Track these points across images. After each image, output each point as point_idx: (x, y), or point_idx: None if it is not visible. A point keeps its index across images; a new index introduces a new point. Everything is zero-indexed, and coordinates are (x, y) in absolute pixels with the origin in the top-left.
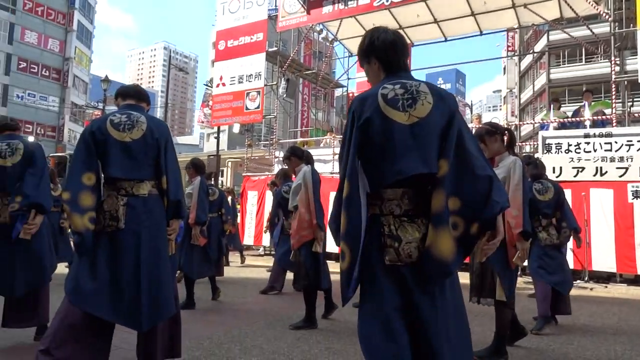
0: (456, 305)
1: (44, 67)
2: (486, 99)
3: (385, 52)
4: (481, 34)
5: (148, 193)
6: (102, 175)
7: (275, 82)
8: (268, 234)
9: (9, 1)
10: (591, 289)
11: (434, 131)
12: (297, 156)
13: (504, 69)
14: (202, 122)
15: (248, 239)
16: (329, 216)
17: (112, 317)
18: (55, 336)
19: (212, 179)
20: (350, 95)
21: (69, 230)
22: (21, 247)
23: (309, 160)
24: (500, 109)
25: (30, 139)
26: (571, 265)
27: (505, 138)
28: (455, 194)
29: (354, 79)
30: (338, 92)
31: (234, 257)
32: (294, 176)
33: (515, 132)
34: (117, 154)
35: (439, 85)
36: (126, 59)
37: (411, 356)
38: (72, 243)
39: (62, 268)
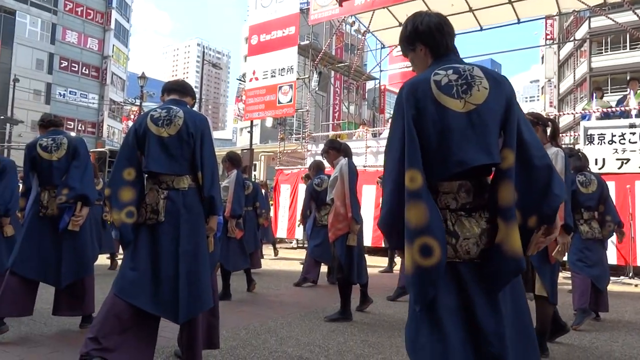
0: (518, 304)
1: (84, 65)
2: (522, 89)
3: (431, 35)
4: (518, 22)
5: (187, 187)
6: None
7: (307, 76)
8: (301, 227)
9: (51, 2)
10: (636, 285)
11: (493, 119)
12: (335, 149)
13: (542, 58)
14: (238, 116)
15: (281, 232)
16: (381, 215)
17: (151, 308)
18: (102, 325)
19: (246, 172)
20: (383, 87)
21: (109, 223)
22: (67, 239)
23: (347, 153)
24: (538, 100)
25: (72, 135)
26: (614, 261)
27: (548, 129)
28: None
29: (386, 71)
30: (370, 84)
31: (267, 249)
32: (332, 169)
33: None
34: (156, 149)
35: None
36: (161, 56)
37: (467, 357)
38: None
39: (102, 259)
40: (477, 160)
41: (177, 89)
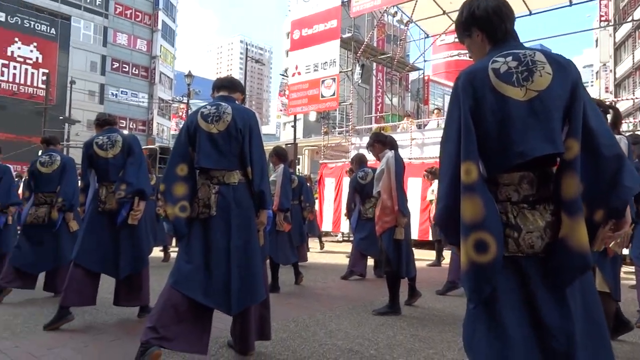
0: (587, 300)
1: (134, 66)
2: None
3: (488, 20)
4: (570, 4)
5: (238, 182)
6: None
7: (350, 69)
8: (347, 220)
9: (102, 7)
10: None
11: (556, 106)
12: (381, 142)
13: (596, 41)
14: (281, 110)
15: (326, 226)
16: (437, 210)
17: (205, 299)
18: (160, 316)
19: (291, 167)
20: (427, 78)
21: (162, 217)
22: (125, 233)
23: (393, 145)
24: (592, 85)
25: (125, 133)
26: None
27: (609, 116)
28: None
29: (429, 61)
30: (413, 75)
31: (313, 243)
32: (377, 162)
33: None
34: (206, 145)
35: None
36: (206, 54)
37: (531, 356)
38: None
39: (156, 252)
40: (539, 150)
41: (226, 86)
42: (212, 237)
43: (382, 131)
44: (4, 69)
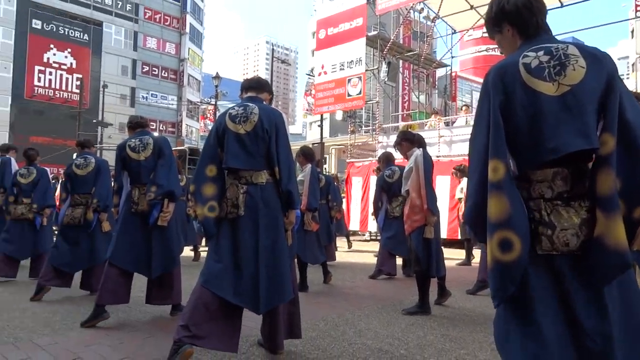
0: (627, 299)
1: (163, 69)
2: None
3: (519, 14)
4: None
5: (265, 182)
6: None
7: (376, 67)
8: (374, 219)
9: (132, 12)
10: None
11: (590, 100)
12: (409, 140)
13: (632, 32)
14: (307, 110)
15: (354, 225)
16: (466, 208)
17: (234, 298)
18: (192, 314)
19: (319, 166)
20: (454, 74)
21: (193, 217)
22: (157, 233)
23: (421, 143)
24: (628, 78)
25: (156, 135)
26: None
27: None
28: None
29: (457, 57)
30: (440, 72)
31: (340, 242)
32: (405, 161)
33: None
34: (234, 146)
35: None
36: (232, 56)
37: (566, 355)
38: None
39: (187, 251)
40: (572, 145)
41: (254, 86)
42: (240, 236)
43: (409, 129)
44: (40, 75)
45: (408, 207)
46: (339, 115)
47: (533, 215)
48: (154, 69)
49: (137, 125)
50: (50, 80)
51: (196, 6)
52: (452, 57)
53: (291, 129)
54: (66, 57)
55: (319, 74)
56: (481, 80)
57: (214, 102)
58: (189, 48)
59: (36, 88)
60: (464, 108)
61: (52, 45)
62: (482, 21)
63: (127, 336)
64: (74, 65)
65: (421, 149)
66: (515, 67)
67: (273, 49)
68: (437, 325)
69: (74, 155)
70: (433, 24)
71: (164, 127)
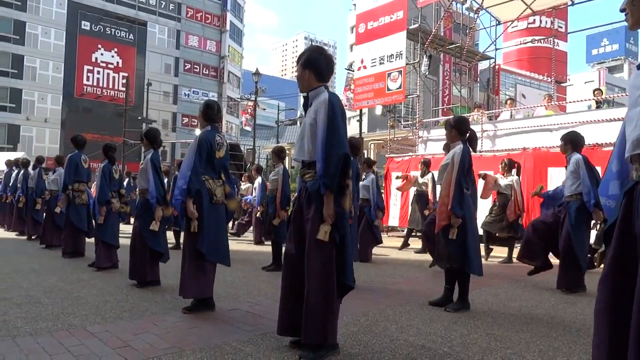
0: None
1: (204, 66)
2: None
3: None
4: None
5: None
6: None
7: (416, 60)
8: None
9: (175, 11)
10: None
11: None
12: (458, 130)
13: None
14: (346, 105)
15: (393, 221)
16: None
17: None
18: None
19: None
20: (497, 67)
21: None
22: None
23: (470, 140)
24: None
25: (197, 132)
26: None
27: None
28: None
29: (500, 49)
30: (481, 65)
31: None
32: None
33: None
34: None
35: (603, 47)
36: (271, 52)
37: None
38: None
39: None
40: None
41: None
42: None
43: None
44: (89, 74)
45: (439, 205)
46: (378, 110)
47: None
48: (195, 66)
49: (215, 120)
50: (98, 79)
51: (236, 3)
52: (496, 49)
53: None
54: (113, 56)
55: (358, 69)
56: (526, 72)
57: (253, 98)
58: (229, 45)
59: (85, 87)
60: (509, 101)
61: (99, 45)
62: (528, 11)
63: (172, 326)
64: (120, 64)
65: (464, 145)
66: None
67: (311, 44)
68: (481, 324)
69: (143, 151)
70: (476, 15)
71: None
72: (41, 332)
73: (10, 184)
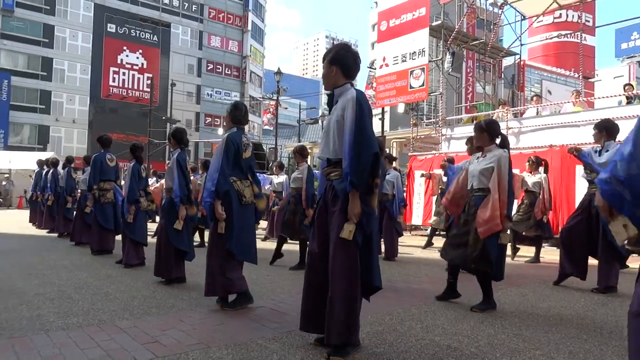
0: None
1: (227, 66)
2: None
3: None
4: None
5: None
6: None
7: (439, 57)
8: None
9: (197, 12)
10: None
11: None
12: (490, 134)
13: None
14: None
15: (416, 219)
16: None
17: None
18: None
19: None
20: (522, 63)
21: None
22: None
23: (504, 144)
24: None
25: (220, 131)
26: None
27: None
28: None
29: (526, 45)
30: (506, 61)
31: (405, 237)
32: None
33: None
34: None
35: (633, 40)
36: (292, 51)
37: None
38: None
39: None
40: None
41: None
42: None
43: (475, 121)
44: (114, 75)
45: (489, 210)
46: (400, 108)
47: None
48: (217, 66)
49: (241, 122)
50: (123, 80)
51: (258, 3)
52: (521, 44)
53: None
54: (137, 57)
55: (380, 67)
56: (552, 68)
57: (275, 98)
58: (250, 45)
59: (111, 88)
60: (534, 98)
61: (125, 47)
62: (555, 5)
63: (199, 323)
64: (145, 66)
65: (506, 152)
66: None
67: (333, 43)
68: (509, 324)
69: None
70: (501, 10)
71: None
72: (73, 327)
73: (41, 183)
